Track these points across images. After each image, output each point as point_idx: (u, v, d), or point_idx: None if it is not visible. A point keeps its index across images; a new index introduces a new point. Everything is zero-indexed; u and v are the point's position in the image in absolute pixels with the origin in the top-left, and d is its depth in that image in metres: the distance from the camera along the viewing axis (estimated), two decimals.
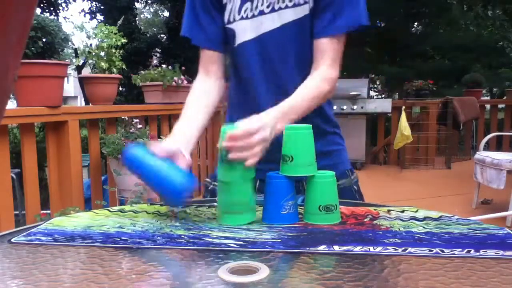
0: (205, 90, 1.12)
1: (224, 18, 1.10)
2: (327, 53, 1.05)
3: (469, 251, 0.68)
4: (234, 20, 1.09)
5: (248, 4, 1.07)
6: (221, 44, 1.13)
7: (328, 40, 1.05)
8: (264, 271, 0.60)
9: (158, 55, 11.87)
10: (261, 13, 1.06)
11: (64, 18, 16.04)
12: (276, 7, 1.06)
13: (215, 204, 0.99)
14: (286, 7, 1.05)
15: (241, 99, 1.16)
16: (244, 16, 1.08)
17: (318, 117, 1.11)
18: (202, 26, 1.11)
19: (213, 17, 1.10)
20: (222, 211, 0.86)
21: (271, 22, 1.06)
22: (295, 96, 0.99)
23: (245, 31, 1.08)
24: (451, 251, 0.68)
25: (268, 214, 0.86)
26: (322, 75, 1.04)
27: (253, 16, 1.07)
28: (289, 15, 1.06)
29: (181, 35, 1.14)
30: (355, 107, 5.73)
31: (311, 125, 0.87)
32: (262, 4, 1.06)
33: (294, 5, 1.05)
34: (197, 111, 1.08)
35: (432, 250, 0.68)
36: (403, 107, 5.34)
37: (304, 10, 1.05)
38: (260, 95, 1.10)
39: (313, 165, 0.87)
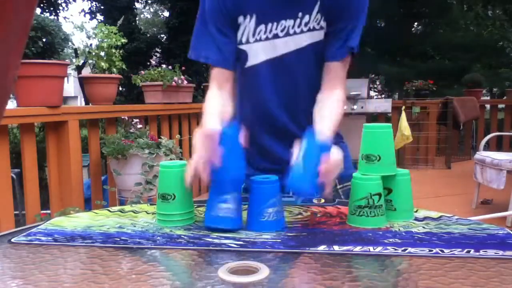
0: (222, 97, 1.09)
1: (237, 37, 1.09)
2: (340, 77, 1.10)
3: (469, 251, 0.68)
4: (248, 42, 1.09)
5: (262, 27, 1.07)
6: (235, 63, 1.12)
7: (340, 63, 1.09)
8: (264, 271, 0.60)
9: (158, 55, 11.86)
10: (275, 36, 1.07)
11: (64, 18, 16.02)
12: (291, 32, 1.06)
13: None
14: (302, 32, 1.06)
15: (248, 117, 1.17)
16: (258, 38, 1.08)
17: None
18: (218, 46, 1.09)
19: (228, 36, 1.09)
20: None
21: (284, 46, 1.07)
22: (331, 116, 1.06)
23: (258, 53, 1.09)
24: (451, 251, 0.68)
25: (248, 220, 0.84)
26: (339, 97, 1.10)
27: (267, 39, 1.07)
28: (304, 40, 1.07)
29: (190, 57, 1.13)
30: (355, 107, 5.72)
31: (391, 124, 0.88)
32: (276, 28, 1.06)
33: (309, 30, 1.06)
34: (222, 103, 1.08)
35: (432, 250, 0.68)
36: (403, 107, 5.33)
37: (320, 35, 1.07)
38: (271, 116, 1.12)
39: (395, 164, 0.89)
